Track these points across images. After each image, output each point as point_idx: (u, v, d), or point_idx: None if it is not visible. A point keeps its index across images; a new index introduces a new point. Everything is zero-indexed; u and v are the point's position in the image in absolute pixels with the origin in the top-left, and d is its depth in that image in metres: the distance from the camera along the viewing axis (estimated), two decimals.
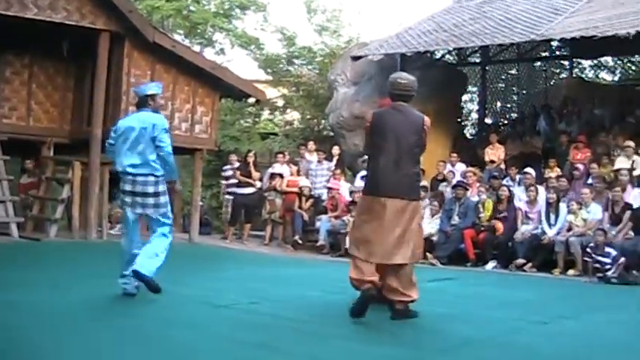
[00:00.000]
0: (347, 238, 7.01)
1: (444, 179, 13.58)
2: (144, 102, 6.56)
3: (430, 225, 12.16)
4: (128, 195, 6.44)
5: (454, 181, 13.06)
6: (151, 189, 6.41)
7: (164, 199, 6.49)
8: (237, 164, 15.05)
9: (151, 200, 6.44)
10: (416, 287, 5.98)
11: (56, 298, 6.38)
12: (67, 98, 13.90)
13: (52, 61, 13.65)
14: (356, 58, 16.01)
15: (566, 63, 19.36)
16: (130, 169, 6.39)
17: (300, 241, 13.76)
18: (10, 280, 7.26)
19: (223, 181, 15.31)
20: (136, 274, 6.29)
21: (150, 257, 6.37)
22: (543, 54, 18.83)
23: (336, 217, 13.40)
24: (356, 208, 6.34)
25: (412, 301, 5.95)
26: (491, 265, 11.46)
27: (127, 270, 6.46)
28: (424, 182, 13.48)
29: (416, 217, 5.87)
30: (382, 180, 5.77)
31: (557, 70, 19.93)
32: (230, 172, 15.06)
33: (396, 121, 5.85)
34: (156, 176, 6.41)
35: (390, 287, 5.88)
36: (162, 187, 6.47)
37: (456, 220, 12.17)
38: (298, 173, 14.69)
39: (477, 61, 18.82)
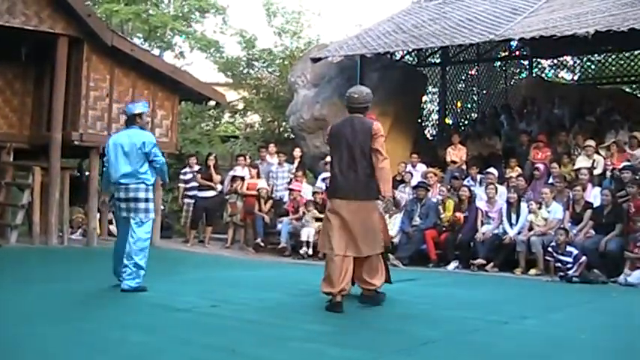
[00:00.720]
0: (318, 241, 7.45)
1: (403, 180, 13.66)
2: (132, 120, 7.57)
3: (390, 226, 12.24)
4: (123, 202, 7.46)
5: (413, 182, 13.16)
6: (142, 195, 7.45)
7: (152, 205, 7.59)
8: (196, 167, 15.01)
9: (141, 205, 7.45)
10: (381, 275, 6.82)
11: (14, 303, 6.33)
12: (25, 103, 13.75)
13: (11, 66, 13.50)
14: (316, 60, 16.06)
15: (525, 63, 19.64)
16: (123, 180, 7.42)
17: (261, 244, 13.77)
18: None
19: (182, 184, 15.22)
20: (125, 290, 7.21)
21: (137, 274, 7.37)
22: (503, 54, 19.09)
23: (297, 219, 13.43)
24: (325, 211, 6.94)
25: (376, 289, 6.80)
26: (453, 265, 11.57)
27: (120, 268, 7.40)
28: None
29: (374, 214, 6.64)
30: (340, 184, 6.60)
31: (517, 70, 20.20)
32: (190, 176, 15.01)
33: (348, 131, 6.62)
34: (146, 184, 7.48)
35: (357, 276, 6.74)
36: (151, 194, 7.53)
37: (417, 220, 12.25)
38: (258, 176, 14.68)
39: (437, 61, 19.00)
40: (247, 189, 14.40)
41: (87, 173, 14.66)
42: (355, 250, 6.52)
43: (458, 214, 11.89)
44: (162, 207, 15.11)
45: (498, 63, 19.80)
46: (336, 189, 6.63)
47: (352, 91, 6.85)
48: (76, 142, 12.61)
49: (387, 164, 6.57)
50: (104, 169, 8.05)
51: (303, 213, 13.26)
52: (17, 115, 13.70)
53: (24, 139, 13.63)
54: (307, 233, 12.81)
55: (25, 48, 12.92)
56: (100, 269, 9.74)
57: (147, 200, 7.48)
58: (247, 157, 15.54)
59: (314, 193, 13.50)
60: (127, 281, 7.26)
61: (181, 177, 15.36)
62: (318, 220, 12.96)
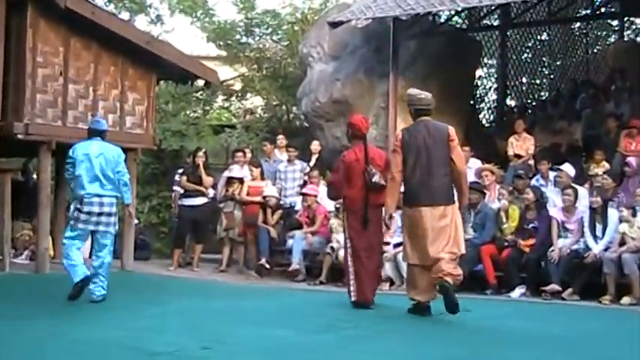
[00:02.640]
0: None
1: None
2: (101, 134, 10.01)
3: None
4: (94, 215, 9.44)
5: None
6: (114, 209, 9.65)
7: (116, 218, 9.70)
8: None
9: (112, 219, 9.60)
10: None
11: None
12: None
13: None
14: (335, 25, 16.00)
15: (614, 23, 19.50)
16: (100, 192, 9.46)
17: (267, 265, 13.76)
18: None
19: (178, 189, 15.15)
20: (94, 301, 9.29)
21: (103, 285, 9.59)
22: (584, 12, 18.96)
23: (313, 233, 13.40)
24: (402, 222, 8.78)
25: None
26: (518, 291, 11.52)
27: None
28: None
29: (456, 218, 8.49)
30: (420, 191, 8.31)
31: (603, 33, 20.07)
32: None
33: (425, 136, 8.39)
34: (117, 198, 9.67)
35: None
36: (115, 208, 9.68)
37: (470, 233, 12.19)
38: (262, 177, 14.67)
39: (495, 24, 18.92)
40: (248, 194, 14.38)
41: (34, 177, 14.72)
42: (426, 259, 8.35)
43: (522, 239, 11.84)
44: (136, 221, 15.15)
45: (577, 24, 19.70)
46: (416, 196, 8.35)
47: (416, 92, 8.85)
48: (19, 136, 12.59)
49: (464, 171, 8.68)
50: (69, 176, 9.82)
51: (323, 226, 13.28)
52: None
53: None
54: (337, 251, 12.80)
55: None
56: (54, 303, 9.79)
57: (116, 214, 9.65)
58: (247, 152, 15.54)
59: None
60: (97, 291, 9.44)
61: (176, 178, 15.31)
62: None
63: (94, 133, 9.99)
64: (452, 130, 8.57)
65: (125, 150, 13.69)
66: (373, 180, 9.00)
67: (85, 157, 9.56)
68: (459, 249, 8.60)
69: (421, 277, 8.52)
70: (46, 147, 12.80)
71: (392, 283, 12.37)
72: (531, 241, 11.79)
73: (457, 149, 8.51)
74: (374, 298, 9.23)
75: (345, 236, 9.38)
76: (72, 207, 9.82)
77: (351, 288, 9.13)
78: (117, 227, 9.80)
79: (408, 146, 8.43)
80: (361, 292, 9.10)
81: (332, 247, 12.88)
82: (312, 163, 15.02)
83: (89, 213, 9.42)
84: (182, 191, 14.77)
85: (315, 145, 15.47)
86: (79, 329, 7.36)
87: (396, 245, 12.46)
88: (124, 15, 21.99)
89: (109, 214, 9.56)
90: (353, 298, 9.13)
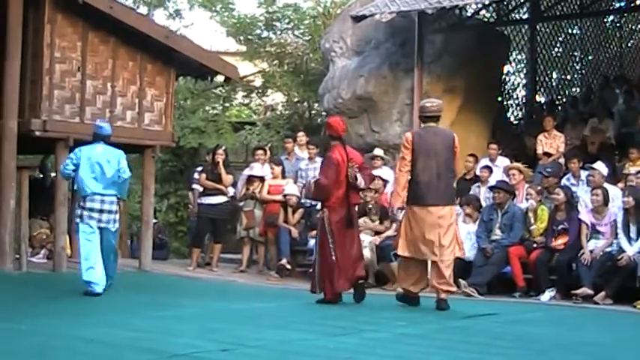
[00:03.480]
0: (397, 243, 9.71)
1: (477, 179, 13.54)
2: (105, 139, 10.82)
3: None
4: (96, 212, 10.48)
5: (491, 181, 13.05)
6: (115, 207, 10.70)
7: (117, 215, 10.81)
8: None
9: (113, 217, 10.64)
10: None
11: None
12: None
13: None
14: (358, 19, 15.98)
15: None
16: (102, 191, 10.49)
17: (287, 266, 13.76)
18: None
19: (196, 187, 15.18)
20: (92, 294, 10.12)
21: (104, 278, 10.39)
22: (617, 4, 18.84)
23: None
24: (405, 217, 9.54)
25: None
26: (547, 295, 11.45)
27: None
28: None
29: (455, 218, 9.67)
30: (429, 192, 9.22)
31: (638, 27, 19.93)
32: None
33: (434, 141, 9.36)
34: (117, 197, 10.77)
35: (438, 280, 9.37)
36: (116, 207, 10.79)
37: (497, 234, 12.16)
38: (283, 175, 14.68)
39: (524, 17, 18.83)
40: (268, 193, 14.40)
41: (52, 174, 14.79)
42: (435, 254, 9.26)
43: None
44: (154, 220, 15.21)
45: (611, 17, 19.57)
46: (424, 197, 9.24)
47: (426, 100, 10.01)
48: (37, 133, 12.70)
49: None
50: (67, 173, 10.81)
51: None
52: None
53: None
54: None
55: None
56: (71, 303, 9.85)
57: (117, 212, 10.83)
58: (268, 150, 15.55)
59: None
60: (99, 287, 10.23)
61: (195, 176, 15.32)
62: (376, 232, 12.97)
63: (97, 137, 10.84)
64: (456, 137, 9.69)
65: (143, 147, 13.91)
66: (357, 182, 9.64)
67: (89, 160, 10.53)
68: (461, 251, 9.78)
69: (415, 269, 9.52)
70: (63, 144, 12.86)
71: None
72: (561, 242, 11.73)
73: (457, 155, 9.66)
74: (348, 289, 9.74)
75: (322, 235, 9.73)
76: (76, 206, 11.17)
77: (322, 285, 9.74)
78: (118, 225, 10.91)
79: (418, 148, 9.30)
80: (331, 289, 9.67)
81: None
82: None
83: (91, 209, 10.47)
84: (201, 190, 14.79)
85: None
86: (94, 330, 7.38)
87: None
88: (143, 9, 22.08)
89: (110, 212, 10.60)
90: (323, 296, 9.75)
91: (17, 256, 12.90)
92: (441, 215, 9.27)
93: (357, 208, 10.22)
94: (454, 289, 9.70)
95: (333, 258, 9.58)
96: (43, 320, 8.05)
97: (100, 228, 10.51)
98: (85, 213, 10.50)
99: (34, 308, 9.13)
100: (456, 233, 9.52)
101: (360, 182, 9.72)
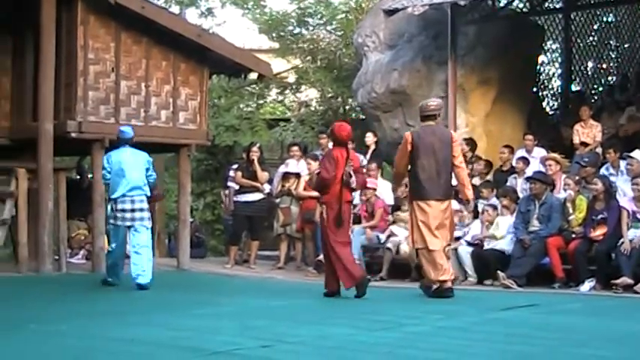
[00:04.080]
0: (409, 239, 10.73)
1: (513, 170, 13.47)
2: (129, 142, 11.43)
3: (498, 231, 12.21)
4: (128, 212, 11.13)
5: (528, 172, 12.99)
6: (145, 205, 11.29)
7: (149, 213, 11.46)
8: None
9: (145, 214, 11.27)
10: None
11: None
12: (2, 84, 14.06)
13: None
14: (391, 13, 15.95)
15: None
16: (132, 192, 11.12)
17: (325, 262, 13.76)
18: None
19: (232, 185, 15.22)
20: (141, 287, 10.92)
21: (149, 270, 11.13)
22: None
23: (372, 228, 13.40)
24: (412, 214, 10.13)
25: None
26: (587, 285, 11.37)
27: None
28: (489, 176, 13.59)
29: (452, 211, 10.29)
30: (430, 188, 9.86)
31: None
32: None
33: (433, 139, 9.94)
34: (147, 196, 11.35)
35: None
36: (147, 205, 11.42)
37: (535, 225, 12.10)
38: None
39: (558, 6, 18.71)
40: (305, 189, 14.41)
41: (89, 175, 14.89)
42: (435, 244, 9.87)
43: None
44: (190, 219, 15.28)
45: None
46: (427, 192, 9.88)
47: (426, 100, 10.60)
48: (73, 135, 12.81)
49: (463, 166, 10.37)
50: (106, 181, 11.48)
51: (383, 221, 13.27)
52: None
53: (2, 133, 13.95)
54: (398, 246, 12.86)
55: None
56: (110, 303, 9.93)
57: (148, 210, 11.40)
58: (302, 146, 15.56)
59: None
60: (142, 280, 10.95)
61: (230, 174, 15.36)
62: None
63: (122, 141, 11.45)
64: (454, 133, 10.84)
65: (179, 146, 13.97)
66: (350, 179, 10.03)
67: (118, 163, 11.18)
68: (451, 239, 10.64)
69: (439, 257, 9.94)
70: (99, 145, 12.97)
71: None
72: (600, 233, 11.65)
73: (458, 147, 10.22)
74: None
75: (323, 231, 10.21)
76: (109, 207, 11.49)
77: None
78: (150, 223, 11.42)
79: (417, 147, 9.92)
80: (331, 283, 10.16)
81: (392, 242, 12.92)
82: (367, 156, 14.97)
83: (123, 210, 11.12)
84: (237, 187, 14.83)
85: (370, 137, 15.40)
86: (134, 330, 7.44)
87: (456, 239, 12.44)
88: (174, 8, 22.14)
89: (142, 210, 11.21)
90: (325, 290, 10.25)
91: (56, 257, 13.03)
92: (441, 209, 9.95)
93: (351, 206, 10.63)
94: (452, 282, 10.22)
95: (337, 251, 9.94)
96: (84, 321, 8.12)
97: (131, 227, 11.14)
98: (118, 215, 11.13)
99: (74, 309, 9.21)
100: (452, 225, 10.32)
101: (353, 182, 10.08)
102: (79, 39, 12.93)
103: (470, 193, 10.49)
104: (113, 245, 11.42)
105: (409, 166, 10.11)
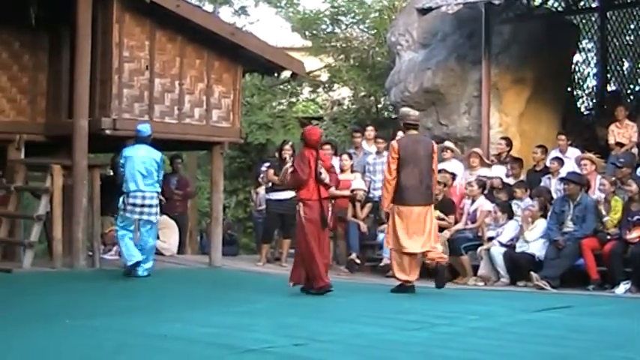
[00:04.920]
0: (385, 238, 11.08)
1: (547, 170, 13.41)
2: (145, 140, 12.16)
3: (530, 234, 12.16)
4: (138, 206, 12.00)
5: (562, 173, 12.93)
6: (154, 202, 12.17)
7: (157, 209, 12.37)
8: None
9: (153, 210, 12.15)
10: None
11: (24, 351, 6.46)
12: (39, 81, 14.15)
13: (18, 33, 13.91)
14: (424, 12, 15.93)
15: None
16: (143, 188, 11.97)
17: (357, 261, 13.78)
18: None
19: (261, 182, 15.25)
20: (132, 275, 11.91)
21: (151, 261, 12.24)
22: None
23: None
24: (392, 215, 10.60)
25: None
26: (623, 287, 11.31)
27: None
28: (522, 176, 13.52)
29: (433, 216, 10.78)
30: (414, 194, 10.44)
31: None
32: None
33: (417, 148, 10.58)
34: (157, 193, 12.29)
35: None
36: (156, 201, 12.31)
37: (569, 226, 12.04)
38: (352, 170, 14.66)
39: (594, 5, 18.60)
40: (338, 188, 14.40)
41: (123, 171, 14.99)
42: (421, 247, 10.46)
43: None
44: (223, 216, 15.34)
45: None
46: (410, 198, 10.45)
47: (407, 110, 11.47)
48: (107, 132, 12.88)
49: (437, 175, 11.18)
50: (122, 174, 12.11)
51: None
52: (28, 97, 14.09)
53: (38, 129, 14.03)
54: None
55: (34, 8, 13.18)
56: (144, 299, 9.99)
57: (157, 205, 12.27)
58: (334, 145, 15.57)
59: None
60: (140, 270, 11.93)
61: (262, 170, 15.39)
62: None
63: (138, 140, 12.17)
64: (434, 144, 11.09)
65: (212, 144, 14.04)
66: (322, 176, 10.46)
67: (132, 159, 11.96)
68: (436, 242, 10.86)
69: (408, 261, 10.53)
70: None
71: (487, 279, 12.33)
72: (636, 236, 11.57)
73: (435, 160, 10.91)
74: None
75: (300, 228, 10.61)
76: (120, 200, 12.15)
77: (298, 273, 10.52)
78: (158, 217, 12.38)
79: (403, 156, 10.46)
80: (297, 275, 10.48)
81: None
82: None
83: (133, 204, 11.98)
84: (269, 185, 14.86)
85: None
86: (168, 326, 7.48)
87: (489, 239, 12.41)
88: (208, 7, 22.23)
89: (150, 206, 12.07)
90: (297, 284, 10.50)
91: (90, 253, 13.12)
92: (422, 214, 10.52)
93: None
94: (443, 260, 10.74)
95: (312, 250, 10.29)
96: (118, 317, 8.19)
97: (140, 220, 12.07)
98: (128, 207, 11.99)
99: (109, 305, 9.28)
100: (435, 229, 10.85)
101: (325, 177, 10.52)
102: (114, 37, 13.00)
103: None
104: (121, 232, 12.17)
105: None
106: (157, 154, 12.21)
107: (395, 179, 10.54)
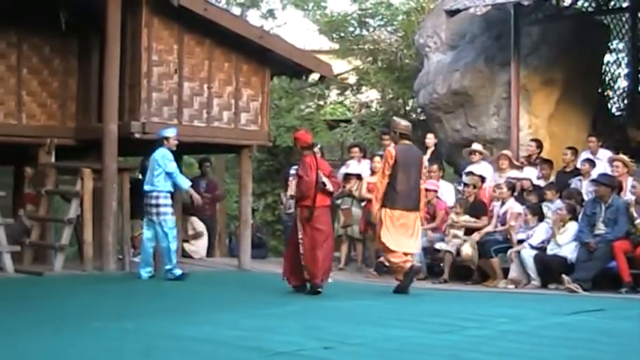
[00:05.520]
0: (383, 240, 11.12)
1: (577, 172, 13.34)
2: (162, 141, 12.25)
3: (561, 237, 12.08)
4: (147, 206, 12.23)
5: (593, 174, 12.85)
6: (154, 200, 12.24)
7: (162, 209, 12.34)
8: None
9: (156, 209, 12.20)
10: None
11: (54, 354, 6.50)
12: (69, 85, 14.25)
13: (47, 38, 14.00)
14: (453, 13, 15.87)
15: None
16: (149, 188, 12.21)
17: (386, 264, 13.74)
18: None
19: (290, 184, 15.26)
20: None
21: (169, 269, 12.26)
22: None
23: (433, 230, 13.37)
24: (384, 218, 10.95)
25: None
26: None
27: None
28: (551, 178, 13.43)
29: (419, 222, 11.32)
30: (407, 199, 10.96)
31: None
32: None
33: (411, 156, 11.12)
34: (161, 192, 12.26)
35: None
36: (161, 201, 12.31)
37: (601, 228, 11.96)
38: None
39: (624, 5, 18.48)
40: (369, 190, 14.39)
41: None
42: (412, 248, 11.13)
43: None
44: (251, 219, 15.36)
45: None
46: (403, 202, 10.93)
47: (399, 120, 12.00)
48: (136, 135, 12.96)
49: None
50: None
51: (444, 222, 13.26)
52: (58, 101, 14.20)
53: (68, 133, 14.15)
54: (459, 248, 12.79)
55: (64, 13, 13.28)
56: (174, 302, 10.02)
57: (164, 205, 12.22)
58: (363, 147, 15.56)
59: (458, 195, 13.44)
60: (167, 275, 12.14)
61: (291, 173, 15.42)
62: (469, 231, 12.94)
63: (158, 141, 12.33)
64: (423, 156, 12.13)
65: (240, 147, 14.07)
66: (326, 187, 10.89)
67: (149, 161, 12.37)
68: (418, 248, 11.70)
69: (404, 259, 11.08)
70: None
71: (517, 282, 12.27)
72: None
73: (423, 169, 11.50)
74: (322, 281, 10.84)
75: (294, 230, 11.16)
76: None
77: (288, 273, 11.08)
78: (162, 217, 12.10)
79: (398, 162, 10.89)
80: (296, 276, 10.97)
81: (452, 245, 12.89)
82: (427, 157, 14.90)
83: (146, 205, 12.23)
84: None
85: (430, 139, 15.31)
86: (198, 329, 7.52)
87: (520, 241, 12.34)
88: (236, 10, 22.29)
89: (150, 205, 12.18)
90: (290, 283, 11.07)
91: (120, 256, 13.20)
92: (412, 219, 11.04)
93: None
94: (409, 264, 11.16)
95: (301, 252, 10.78)
96: (149, 319, 8.21)
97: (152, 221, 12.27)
98: (146, 209, 12.29)
99: (138, 307, 9.32)
100: (419, 233, 11.33)
101: (329, 187, 10.94)
102: (143, 41, 13.08)
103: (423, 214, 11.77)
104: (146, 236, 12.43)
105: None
106: (159, 153, 12.22)
107: (385, 184, 10.99)
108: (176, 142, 12.40)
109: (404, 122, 11.67)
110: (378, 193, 11.13)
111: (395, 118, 12.28)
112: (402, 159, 10.99)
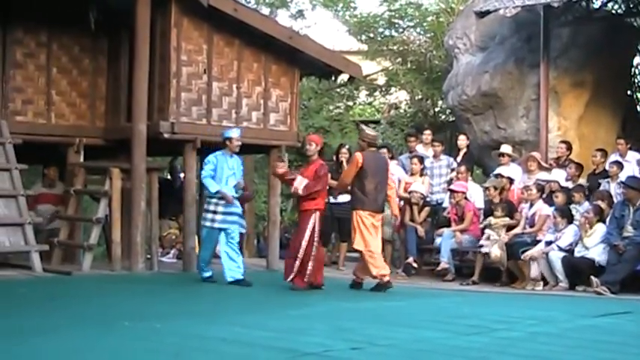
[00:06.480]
0: (357, 241, 11.64)
1: (606, 174, 13.24)
2: (221, 143, 12.05)
3: (589, 240, 11.99)
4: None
5: (622, 177, 12.75)
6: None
7: (204, 213, 12.04)
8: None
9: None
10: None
11: (83, 354, 6.52)
12: (98, 85, 14.27)
13: (77, 37, 14.03)
14: (482, 15, 15.84)
15: None
16: None
17: (414, 265, 13.73)
18: (26, 329, 7.43)
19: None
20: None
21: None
22: None
23: (462, 231, 13.31)
24: (357, 220, 11.56)
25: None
26: None
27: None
28: (581, 180, 13.30)
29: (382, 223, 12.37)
30: (376, 202, 11.60)
31: None
32: None
33: (380, 163, 11.86)
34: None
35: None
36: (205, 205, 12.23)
37: (630, 230, 11.88)
38: (421, 173, 14.53)
39: None
40: (405, 190, 14.35)
41: (181, 175, 15.08)
42: (378, 248, 11.72)
43: None
44: (279, 220, 15.35)
45: None
46: (370, 205, 11.53)
47: (368, 130, 12.29)
48: (165, 135, 12.96)
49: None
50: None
51: (473, 224, 13.19)
52: (87, 101, 14.21)
53: (97, 133, 14.15)
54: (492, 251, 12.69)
55: (94, 13, 13.28)
56: (202, 302, 10.02)
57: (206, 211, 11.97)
58: (391, 149, 15.52)
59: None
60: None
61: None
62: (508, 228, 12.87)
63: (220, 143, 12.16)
64: (389, 161, 12.91)
65: (269, 147, 14.08)
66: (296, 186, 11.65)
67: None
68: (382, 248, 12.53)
69: (379, 259, 11.65)
70: (191, 145, 13.12)
71: (545, 282, 12.18)
72: None
73: (389, 174, 12.14)
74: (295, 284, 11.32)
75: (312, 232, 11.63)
76: None
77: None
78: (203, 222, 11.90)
79: (367, 167, 11.47)
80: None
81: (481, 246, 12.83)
82: (459, 159, 14.87)
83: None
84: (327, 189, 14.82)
85: (462, 140, 15.27)
86: (226, 329, 7.52)
87: (548, 243, 12.25)
88: (265, 10, 22.30)
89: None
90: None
91: (148, 256, 13.21)
92: (378, 220, 11.78)
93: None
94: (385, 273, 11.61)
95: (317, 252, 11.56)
96: (177, 320, 8.21)
97: None
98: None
99: (168, 308, 9.31)
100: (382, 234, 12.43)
101: (300, 192, 11.61)
102: (173, 41, 13.09)
103: (397, 211, 12.84)
104: None
105: (355, 182, 11.58)
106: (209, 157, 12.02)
107: (348, 185, 11.80)
108: (239, 143, 11.99)
109: (372, 132, 12.34)
110: (337, 185, 12.40)
111: (363, 127, 12.68)
112: (370, 165, 11.60)
